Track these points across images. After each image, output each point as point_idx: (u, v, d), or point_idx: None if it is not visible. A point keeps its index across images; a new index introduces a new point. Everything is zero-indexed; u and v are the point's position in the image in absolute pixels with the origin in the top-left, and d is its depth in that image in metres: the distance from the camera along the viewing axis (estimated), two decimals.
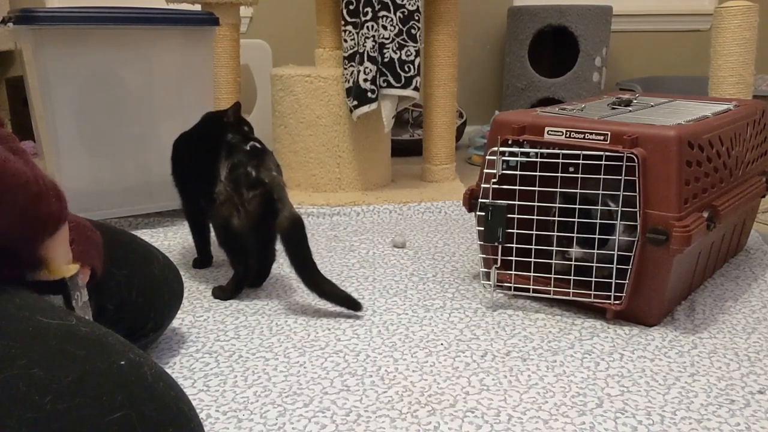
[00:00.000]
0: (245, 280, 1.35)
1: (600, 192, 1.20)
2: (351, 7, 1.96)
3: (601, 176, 1.19)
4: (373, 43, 1.92)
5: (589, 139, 1.21)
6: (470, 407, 0.96)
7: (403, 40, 1.94)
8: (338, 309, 1.28)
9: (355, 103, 1.96)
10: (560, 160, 1.24)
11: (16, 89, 2.61)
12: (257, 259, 1.36)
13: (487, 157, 1.30)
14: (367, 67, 1.92)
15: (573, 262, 1.25)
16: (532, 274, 1.28)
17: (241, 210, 1.26)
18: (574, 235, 1.23)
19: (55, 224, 0.77)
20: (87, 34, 1.62)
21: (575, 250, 1.24)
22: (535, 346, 1.15)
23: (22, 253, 0.78)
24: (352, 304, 1.26)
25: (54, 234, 0.77)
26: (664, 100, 1.56)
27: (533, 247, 1.25)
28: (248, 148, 1.28)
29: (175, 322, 1.22)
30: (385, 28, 1.93)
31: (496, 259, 1.32)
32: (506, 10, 2.91)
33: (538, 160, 1.26)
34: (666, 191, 1.14)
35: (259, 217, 1.27)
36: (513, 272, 1.29)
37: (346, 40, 1.99)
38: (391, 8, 1.92)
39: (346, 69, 1.99)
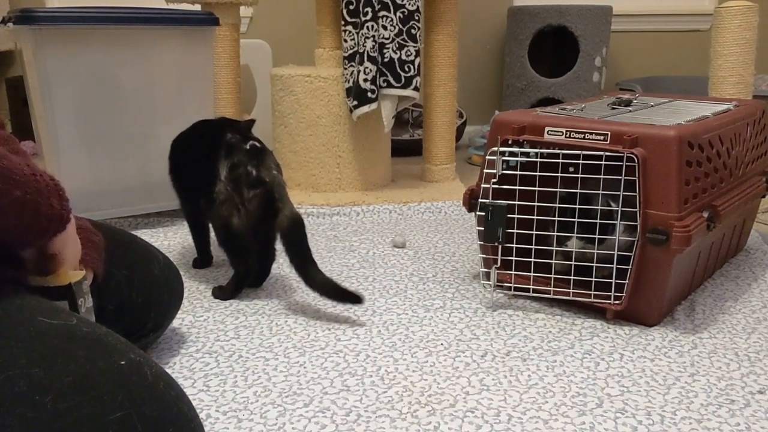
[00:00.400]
0: (245, 280, 1.35)
1: (600, 192, 1.20)
2: (351, 7, 1.96)
3: (601, 176, 1.19)
4: (373, 43, 1.92)
5: (589, 139, 1.21)
6: (470, 407, 0.96)
7: (403, 40, 1.94)
8: (339, 309, 1.28)
9: (355, 103, 1.96)
10: (560, 160, 1.24)
11: (16, 89, 2.62)
12: (257, 258, 1.36)
13: (487, 157, 1.30)
14: (367, 67, 1.92)
15: (573, 262, 1.25)
16: (532, 274, 1.28)
17: (241, 209, 1.26)
18: (574, 235, 1.23)
19: (57, 224, 0.76)
20: (87, 34, 1.62)
21: (576, 250, 1.24)
22: (535, 346, 1.15)
23: (27, 253, 0.77)
24: (353, 299, 1.25)
25: (59, 234, 0.77)
26: (664, 100, 1.56)
27: (533, 247, 1.25)
28: (248, 147, 1.28)
29: (175, 322, 1.22)
30: (385, 28, 1.93)
31: (496, 259, 1.32)
32: (506, 10, 2.91)
33: (538, 160, 1.26)
34: (666, 191, 1.14)
35: (259, 217, 1.27)
36: (513, 272, 1.29)
37: (346, 40, 1.99)
38: (391, 8, 1.92)
39: (346, 69, 1.99)
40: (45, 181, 0.74)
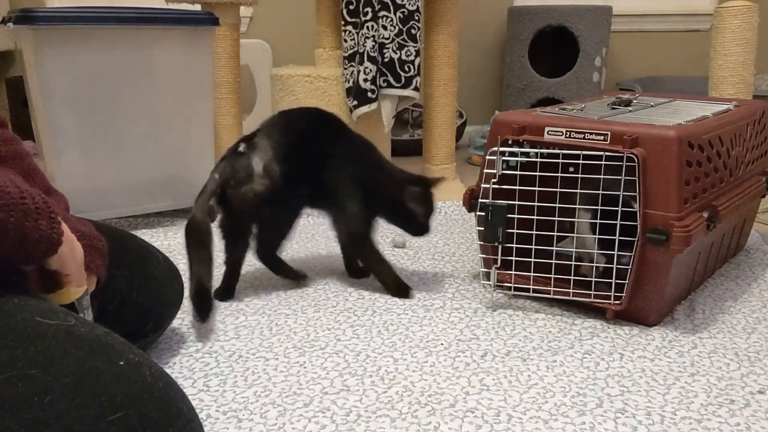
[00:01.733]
0: (233, 276, 1.36)
1: (600, 192, 1.20)
2: (351, 7, 1.96)
3: (601, 176, 1.19)
4: (373, 43, 1.92)
5: (589, 139, 1.21)
6: (470, 407, 0.96)
7: (403, 40, 1.94)
8: (339, 309, 1.28)
9: (355, 103, 1.96)
10: (560, 160, 1.24)
11: (16, 89, 2.61)
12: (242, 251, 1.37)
13: (487, 157, 1.30)
14: (367, 67, 1.92)
15: (573, 262, 1.25)
16: (532, 274, 1.28)
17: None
18: (574, 235, 1.23)
19: (46, 246, 0.73)
20: (87, 34, 1.61)
21: (576, 251, 1.24)
22: (535, 346, 1.14)
23: (28, 270, 0.77)
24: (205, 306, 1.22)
25: (53, 255, 0.75)
26: (664, 100, 1.56)
27: (533, 247, 1.25)
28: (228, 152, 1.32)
29: (175, 322, 1.22)
30: (385, 28, 1.93)
31: (496, 259, 1.32)
32: (506, 11, 2.91)
33: (538, 160, 1.26)
34: (666, 191, 1.14)
35: (229, 216, 1.29)
36: (513, 272, 1.29)
37: (346, 40, 1.99)
38: (391, 8, 1.92)
39: (346, 69, 1.99)
40: (34, 202, 0.71)
